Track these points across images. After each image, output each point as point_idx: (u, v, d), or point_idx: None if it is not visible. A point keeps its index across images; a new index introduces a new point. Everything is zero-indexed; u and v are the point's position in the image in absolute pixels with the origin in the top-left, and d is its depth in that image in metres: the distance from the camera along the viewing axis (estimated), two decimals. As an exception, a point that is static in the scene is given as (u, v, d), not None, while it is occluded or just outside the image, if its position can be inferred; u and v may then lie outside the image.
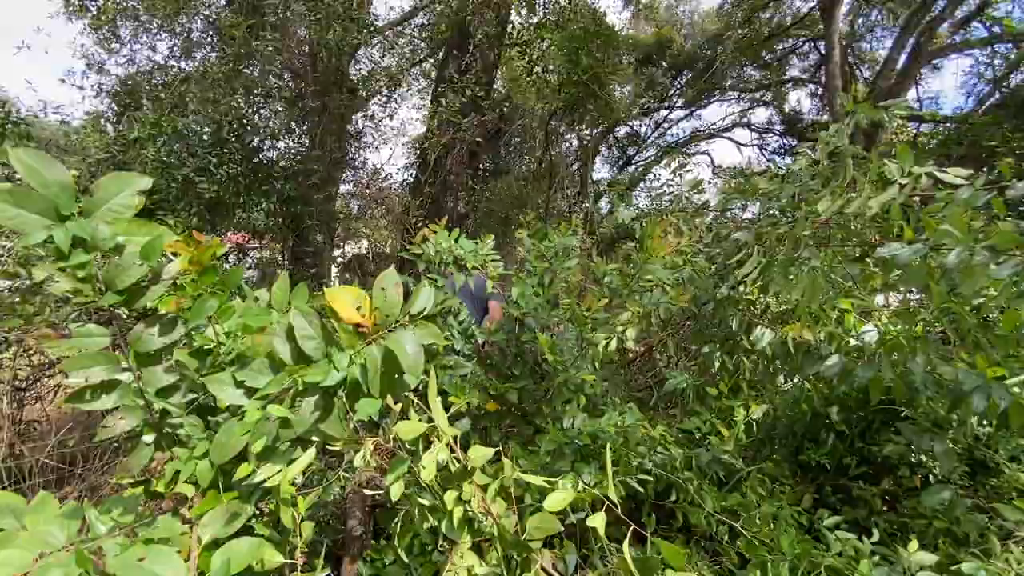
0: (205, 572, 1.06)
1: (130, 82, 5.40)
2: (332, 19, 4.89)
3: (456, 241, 2.12)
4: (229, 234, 4.94)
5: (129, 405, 1.24)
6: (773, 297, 2.07)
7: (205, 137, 4.42)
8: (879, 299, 2.43)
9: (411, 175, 7.81)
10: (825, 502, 2.17)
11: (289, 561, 1.20)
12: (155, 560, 0.99)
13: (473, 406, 2.01)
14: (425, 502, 1.26)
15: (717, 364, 2.23)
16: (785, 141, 14.15)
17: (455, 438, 1.26)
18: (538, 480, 1.20)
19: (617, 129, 12.91)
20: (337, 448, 1.24)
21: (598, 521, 0.96)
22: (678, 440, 2.09)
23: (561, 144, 10.38)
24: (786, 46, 13.20)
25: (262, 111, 5.17)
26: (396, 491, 1.20)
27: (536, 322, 2.05)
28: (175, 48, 5.45)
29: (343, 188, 6.55)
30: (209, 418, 1.35)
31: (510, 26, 7.08)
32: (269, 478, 1.14)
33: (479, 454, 1.19)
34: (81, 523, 1.25)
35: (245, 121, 4.71)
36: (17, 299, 2.79)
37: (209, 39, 5.27)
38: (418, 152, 7.34)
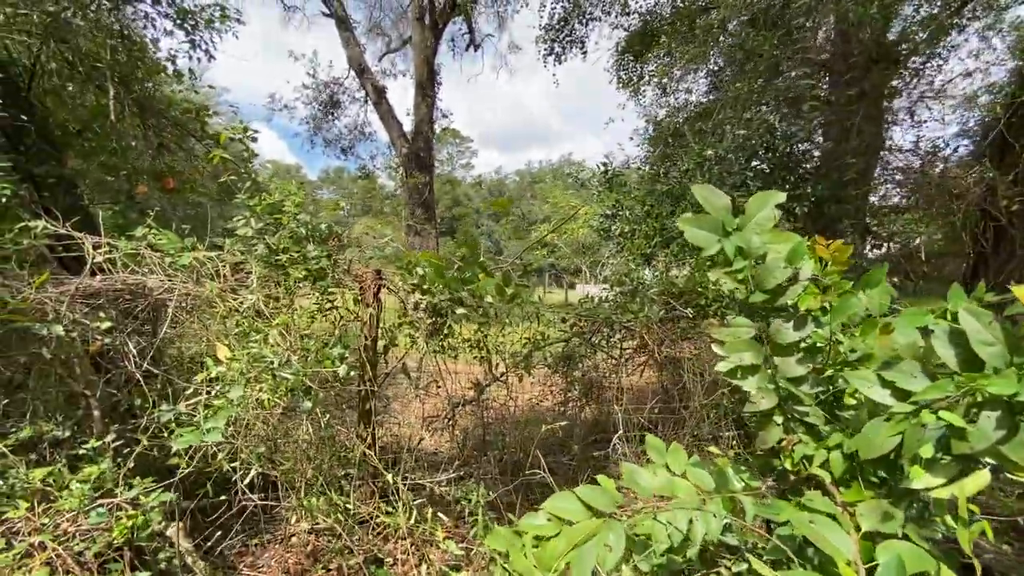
0: (863, 559, 1.11)
1: (676, 124, 6.68)
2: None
3: None
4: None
5: (765, 388, 1.47)
6: None
7: (740, 157, 4.85)
8: None
9: (969, 143, 5.82)
10: None
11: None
12: (825, 528, 1.12)
13: None
14: None
15: None
16: None
17: None
18: None
19: None
20: (1021, 478, 1.02)
21: None
22: None
23: None
24: None
25: (790, 117, 5.19)
26: None
27: None
28: (707, 83, 6.30)
29: (880, 178, 5.65)
30: (836, 412, 1.42)
31: None
32: (931, 488, 1.07)
33: None
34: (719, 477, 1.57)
35: (775, 130, 4.85)
36: (628, 299, 3.86)
37: (735, 64, 5.78)
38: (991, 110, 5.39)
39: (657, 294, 3.59)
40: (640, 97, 12.15)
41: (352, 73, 16.36)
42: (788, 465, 1.49)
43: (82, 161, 3.89)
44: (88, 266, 2.62)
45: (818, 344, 1.51)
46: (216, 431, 1.60)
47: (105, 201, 4.56)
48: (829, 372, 1.51)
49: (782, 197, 1.43)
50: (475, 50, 19.29)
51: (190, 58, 4.39)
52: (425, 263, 3.01)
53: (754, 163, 4.71)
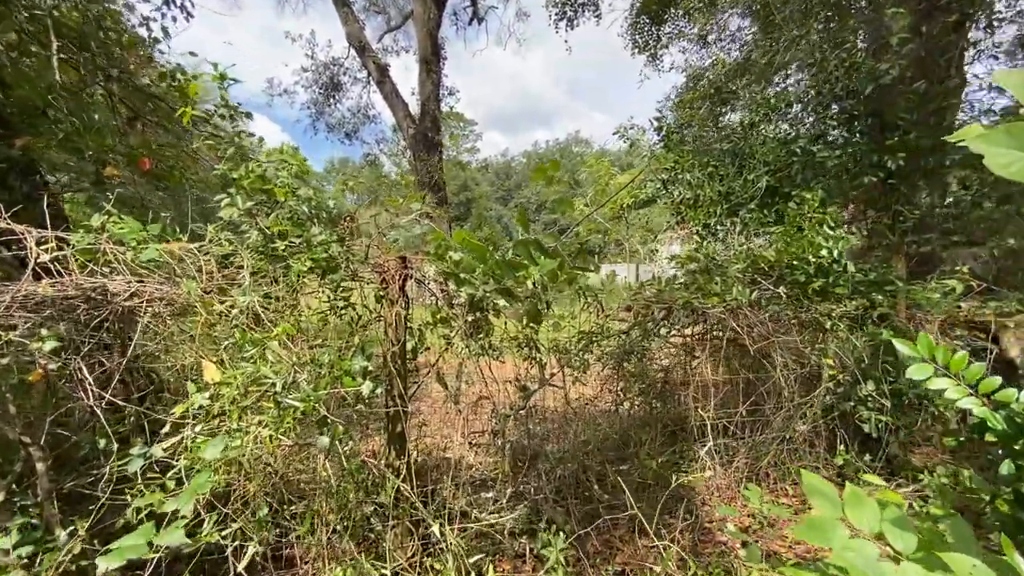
0: None
1: (720, 77, 5.88)
2: None
3: None
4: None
5: None
6: None
7: (809, 101, 4.10)
8: None
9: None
10: None
11: None
12: None
13: None
14: None
15: None
16: None
17: None
18: None
19: None
20: None
21: None
22: None
23: None
24: None
25: (873, 55, 4.39)
26: None
27: None
28: (753, 29, 5.46)
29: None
30: None
31: None
32: None
33: None
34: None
35: (856, 70, 4.08)
36: (706, 279, 3.16)
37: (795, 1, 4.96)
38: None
39: (741, 271, 2.93)
40: (659, 61, 11.27)
41: (352, 52, 15.54)
42: None
43: (44, 142, 3.26)
44: (30, 268, 2.01)
45: None
46: (177, 528, 1.00)
47: (82, 188, 3.94)
48: None
49: None
50: (478, 23, 18.30)
51: (163, 16, 3.74)
52: (462, 246, 2.37)
53: (833, 110, 3.97)
